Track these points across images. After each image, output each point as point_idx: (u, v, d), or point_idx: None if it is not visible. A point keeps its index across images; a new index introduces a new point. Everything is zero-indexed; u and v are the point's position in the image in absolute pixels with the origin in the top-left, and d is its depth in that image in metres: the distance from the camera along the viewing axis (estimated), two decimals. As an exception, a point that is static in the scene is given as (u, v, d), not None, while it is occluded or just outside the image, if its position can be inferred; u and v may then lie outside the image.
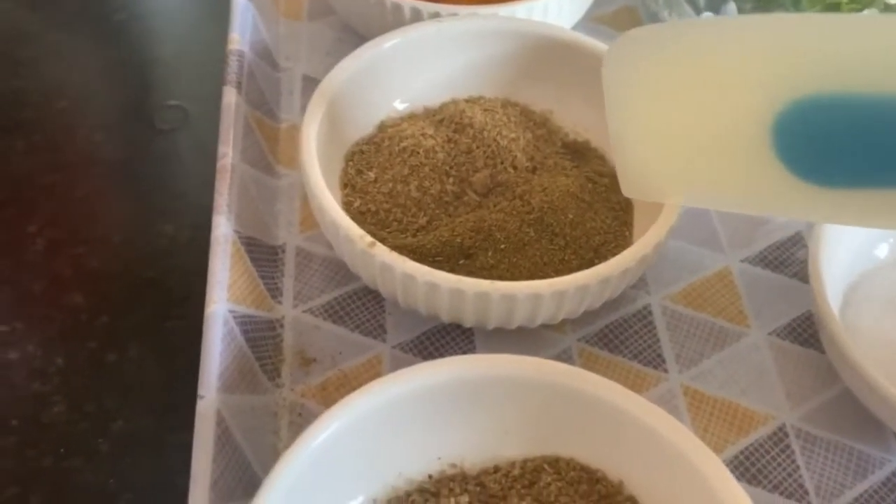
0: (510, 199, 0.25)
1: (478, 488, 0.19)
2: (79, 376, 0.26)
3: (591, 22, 0.34)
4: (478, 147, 0.26)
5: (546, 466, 0.20)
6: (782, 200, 0.18)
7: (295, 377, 0.23)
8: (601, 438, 0.19)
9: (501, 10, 0.28)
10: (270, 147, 0.29)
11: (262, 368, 0.23)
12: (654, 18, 0.35)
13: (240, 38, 0.29)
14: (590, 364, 0.24)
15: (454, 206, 0.25)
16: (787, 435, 0.23)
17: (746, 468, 0.22)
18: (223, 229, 0.23)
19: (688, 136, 0.18)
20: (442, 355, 0.24)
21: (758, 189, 0.18)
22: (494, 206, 0.25)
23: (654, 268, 0.26)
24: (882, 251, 0.26)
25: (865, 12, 0.26)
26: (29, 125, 0.34)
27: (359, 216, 0.25)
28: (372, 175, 0.26)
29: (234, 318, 0.22)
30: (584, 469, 0.20)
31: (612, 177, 0.27)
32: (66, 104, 0.35)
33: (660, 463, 0.19)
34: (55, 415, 0.25)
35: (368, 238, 0.22)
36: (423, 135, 0.26)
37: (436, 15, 0.28)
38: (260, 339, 0.23)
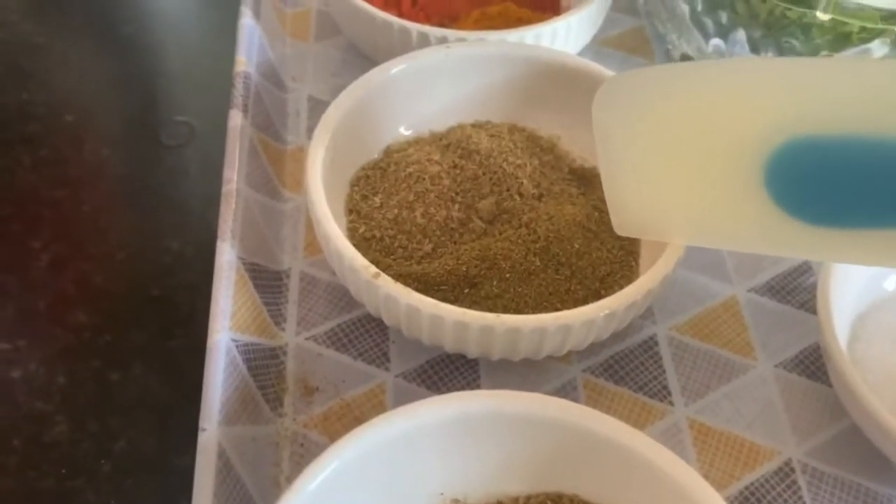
0: (516, 228, 0.24)
1: (480, 525, 0.19)
2: (81, 395, 0.26)
3: (598, 45, 0.34)
4: (484, 173, 0.26)
5: (549, 503, 0.20)
6: (774, 238, 0.18)
7: (297, 406, 0.23)
8: (605, 476, 0.19)
9: (509, 35, 0.28)
10: (276, 170, 0.29)
11: (265, 398, 0.23)
12: (662, 41, 0.34)
13: (246, 60, 0.29)
14: (595, 395, 0.24)
15: (459, 232, 0.25)
16: (793, 470, 0.23)
17: (752, 505, 0.22)
18: (227, 256, 0.23)
19: (679, 176, 0.19)
20: (446, 385, 0.24)
21: (750, 227, 0.18)
22: (500, 233, 0.25)
23: (660, 296, 0.26)
24: (891, 283, 0.26)
25: (875, 42, 0.26)
26: (35, 139, 0.34)
27: (363, 242, 0.25)
28: (377, 201, 0.25)
29: (237, 346, 0.22)
30: (587, 507, 0.20)
31: (619, 205, 0.27)
32: (73, 118, 0.35)
33: (663, 502, 0.18)
34: (57, 434, 0.25)
35: (373, 269, 0.21)
36: (428, 160, 0.26)
37: (443, 39, 0.28)
38: (262, 367, 0.23)
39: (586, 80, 0.27)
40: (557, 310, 0.23)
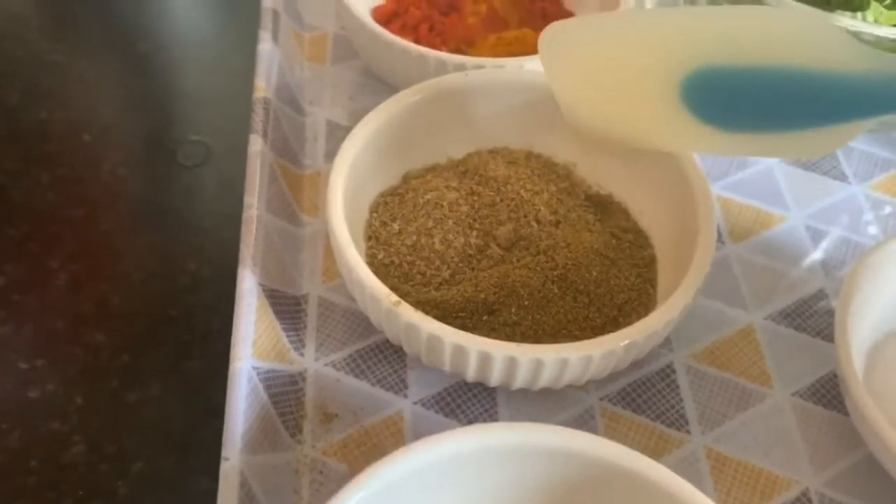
0: (534, 255, 0.25)
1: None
2: (99, 416, 0.26)
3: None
4: (501, 200, 0.26)
5: (569, 535, 0.20)
6: (690, 140, 0.24)
7: (316, 433, 0.23)
8: (625, 508, 0.19)
9: (527, 62, 0.28)
10: (294, 195, 0.29)
11: (284, 425, 0.23)
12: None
13: (265, 84, 0.29)
14: (613, 424, 0.24)
15: (477, 259, 0.25)
16: (810, 501, 0.23)
17: (770, 536, 0.22)
18: (248, 283, 0.23)
19: (612, 96, 0.23)
20: (464, 412, 0.24)
21: (672, 132, 0.23)
22: (518, 260, 0.25)
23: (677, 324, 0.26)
24: (908, 313, 0.26)
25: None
26: (53, 158, 0.34)
27: (382, 269, 0.25)
28: (396, 227, 0.26)
29: (258, 374, 0.22)
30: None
31: (636, 232, 0.27)
32: (90, 137, 0.35)
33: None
34: (75, 455, 0.25)
35: (394, 297, 0.22)
36: (447, 187, 0.26)
37: (461, 66, 0.28)
38: (282, 394, 0.23)
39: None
40: (576, 337, 0.23)
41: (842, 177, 0.32)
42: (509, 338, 0.23)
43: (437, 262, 0.25)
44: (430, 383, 0.25)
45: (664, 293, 0.25)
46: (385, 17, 0.33)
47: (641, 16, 0.26)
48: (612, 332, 0.23)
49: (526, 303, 0.24)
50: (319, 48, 0.35)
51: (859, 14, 0.27)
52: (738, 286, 0.28)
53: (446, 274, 0.25)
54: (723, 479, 0.23)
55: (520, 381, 0.22)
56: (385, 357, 0.25)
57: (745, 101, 0.21)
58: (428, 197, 0.26)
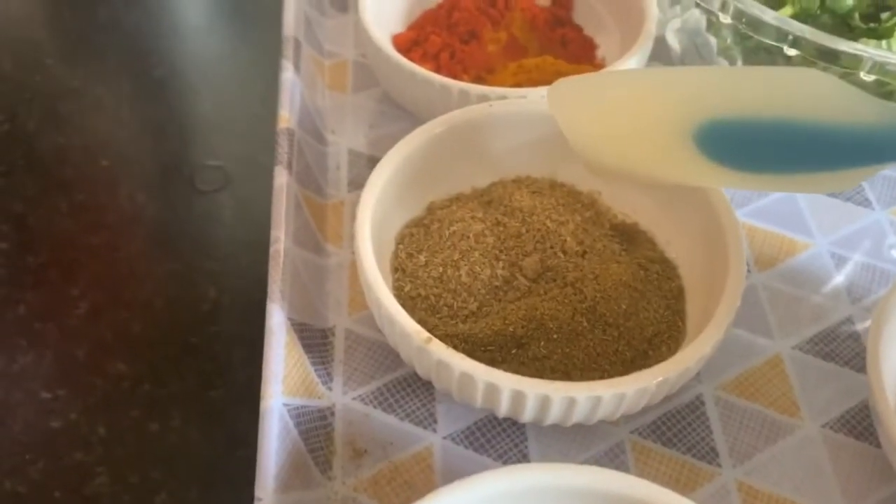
0: (562, 287, 0.25)
1: None
2: (122, 446, 0.26)
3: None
4: (527, 231, 0.26)
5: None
6: (706, 179, 0.24)
7: (346, 469, 0.23)
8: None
9: (550, 91, 0.28)
10: (318, 225, 0.29)
11: (315, 461, 0.22)
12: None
13: (289, 116, 0.29)
14: (644, 458, 0.24)
15: (504, 290, 0.25)
16: (844, 536, 0.23)
17: (804, 572, 0.22)
18: (277, 318, 0.23)
19: (626, 143, 0.24)
20: (493, 447, 0.24)
21: (685, 170, 0.24)
22: (545, 292, 0.25)
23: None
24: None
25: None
26: (72, 184, 0.34)
27: (409, 301, 0.25)
28: (422, 259, 0.26)
29: (289, 411, 0.22)
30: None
31: (663, 262, 0.27)
32: (108, 163, 0.35)
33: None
34: (98, 486, 0.25)
35: (425, 334, 0.22)
36: (472, 218, 0.26)
37: (484, 96, 0.28)
38: (312, 430, 0.23)
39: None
40: (606, 371, 0.23)
41: (865, 202, 0.32)
42: (539, 372, 0.23)
43: (464, 295, 0.25)
44: (459, 417, 0.24)
45: (693, 324, 0.25)
46: (405, 45, 0.33)
47: (649, 72, 0.28)
48: (642, 365, 0.23)
49: (555, 336, 0.23)
50: (339, 76, 0.35)
51: (884, 42, 0.27)
52: (764, 315, 0.28)
53: (473, 306, 0.25)
54: (755, 513, 0.23)
55: (552, 417, 0.22)
56: (413, 390, 0.25)
57: (757, 148, 0.22)
58: (454, 228, 0.26)
